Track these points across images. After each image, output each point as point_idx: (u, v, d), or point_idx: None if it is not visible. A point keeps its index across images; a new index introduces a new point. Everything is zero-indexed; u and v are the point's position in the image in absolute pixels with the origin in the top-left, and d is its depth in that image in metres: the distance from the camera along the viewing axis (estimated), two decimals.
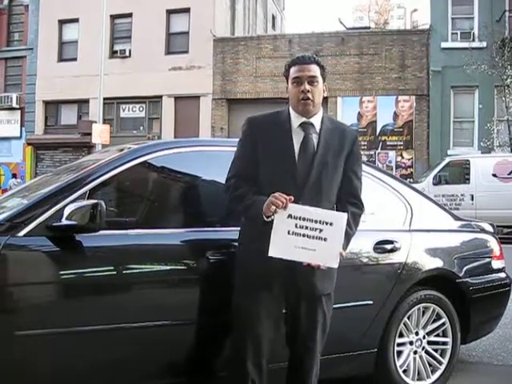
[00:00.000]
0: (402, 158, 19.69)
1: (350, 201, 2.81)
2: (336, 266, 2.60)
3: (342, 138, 2.80)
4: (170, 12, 22.03)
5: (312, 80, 2.71)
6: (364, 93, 20.05)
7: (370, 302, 3.47)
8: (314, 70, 2.74)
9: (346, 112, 19.99)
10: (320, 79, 2.74)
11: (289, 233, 2.53)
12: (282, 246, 2.52)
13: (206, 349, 3.01)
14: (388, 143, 19.80)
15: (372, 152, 19.78)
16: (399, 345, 3.67)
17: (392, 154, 19.73)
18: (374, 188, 3.76)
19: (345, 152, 2.79)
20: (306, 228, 2.55)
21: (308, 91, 2.69)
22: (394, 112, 19.79)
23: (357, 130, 19.87)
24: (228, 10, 23.16)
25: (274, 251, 2.52)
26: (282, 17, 33.36)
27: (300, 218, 2.54)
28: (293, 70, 2.75)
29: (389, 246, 3.56)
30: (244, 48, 21.16)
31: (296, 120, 2.75)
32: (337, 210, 2.72)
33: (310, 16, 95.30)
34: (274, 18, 30.86)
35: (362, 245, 3.48)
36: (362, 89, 20.05)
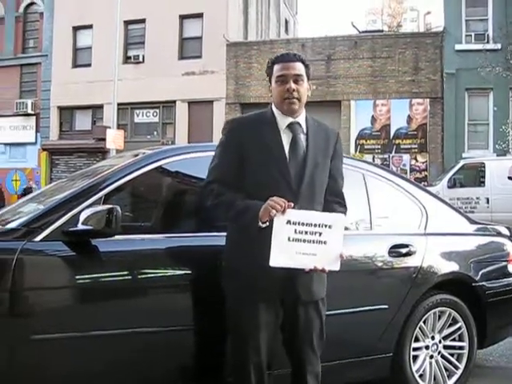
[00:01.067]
0: (417, 161, 19.58)
1: (335, 200, 2.73)
2: (338, 268, 2.54)
3: (327, 138, 2.74)
4: (182, 17, 22.10)
5: (297, 79, 2.62)
6: (377, 96, 19.97)
7: (385, 306, 3.45)
8: (299, 68, 2.65)
9: (360, 115, 19.93)
10: (305, 78, 2.66)
11: (289, 239, 2.46)
12: (284, 254, 2.45)
13: (214, 355, 3.01)
14: (402, 146, 19.69)
15: (386, 155, 19.69)
16: (415, 349, 3.65)
17: (406, 157, 19.62)
18: (389, 191, 3.76)
19: (330, 151, 2.73)
20: (306, 233, 2.48)
21: (294, 90, 2.60)
22: (408, 115, 19.68)
23: (370, 133, 19.85)
24: (241, 14, 23.19)
25: (276, 260, 2.44)
26: (294, 21, 33.36)
27: (299, 223, 2.47)
28: (277, 67, 2.66)
29: (404, 250, 3.54)
30: (257, 52, 21.17)
31: (282, 120, 2.65)
32: (323, 211, 2.64)
33: (322, 20, 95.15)
34: (286, 22, 30.87)
35: (377, 249, 3.48)
36: (375, 92, 19.98)
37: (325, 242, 2.49)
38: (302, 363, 2.70)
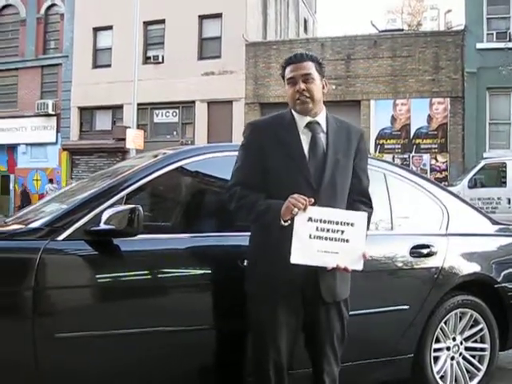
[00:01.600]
0: (437, 161, 19.43)
1: (360, 199, 2.72)
2: (361, 267, 2.51)
3: (349, 137, 2.72)
4: (202, 17, 22.16)
5: (307, 78, 2.62)
6: (397, 95, 19.85)
7: (406, 307, 3.43)
8: (308, 67, 2.65)
9: (380, 115, 19.82)
10: (316, 75, 2.65)
11: (310, 237, 2.44)
12: (305, 251, 2.43)
13: (236, 354, 3.02)
14: (422, 146, 19.55)
15: (406, 155, 19.56)
16: (436, 350, 3.63)
17: (426, 157, 19.48)
18: (410, 191, 3.74)
19: (353, 150, 2.71)
20: (328, 231, 2.46)
21: (304, 90, 2.61)
22: (428, 115, 19.52)
23: (390, 133, 19.74)
24: (260, 14, 23.20)
25: (297, 258, 2.42)
26: (313, 20, 33.29)
27: (320, 221, 2.45)
28: (287, 70, 2.68)
29: (425, 251, 3.52)
30: (276, 52, 21.15)
31: (301, 120, 2.66)
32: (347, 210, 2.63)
33: (341, 19, 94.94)
34: (305, 21, 30.82)
35: (398, 249, 3.47)
36: (395, 91, 19.85)
37: (347, 241, 2.47)
38: (320, 363, 2.70)
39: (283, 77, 2.73)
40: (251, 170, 2.64)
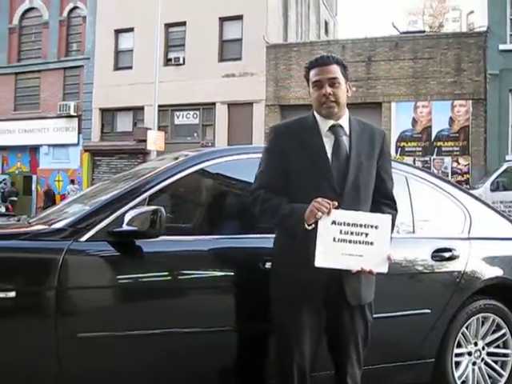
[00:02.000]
0: (458, 163, 19.25)
1: (384, 202, 2.71)
2: (386, 270, 2.50)
3: (372, 139, 2.71)
4: (222, 19, 22.22)
5: (333, 82, 2.61)
6: (419, 98, 19.71)
7: (428, 311, 3.41)
8: (334, 70, 2.63)
9: (401, 117, 19.70)
10: (342, 79, 2.64)
11: (334, 240, 2.44)
12: (329, 254, 2.43)
13: (258, 356, 3.02)
14: (443, 149, 19.39)
15: (427, 158, 19.42)
16: (457, 355, 3.60)
17: (448, 159, 19.31)
18: (432, 194, 3.71)
19: (376, 152, 2.70)
20: (352, 233, 2.46)
21: (330, 94, 2.60)
22: (450, 117, 19.36)
23: (411, 135, 19.61)
24: (280, 16, 23.20)
25: (321, 261, 2.42)
26: (334, 22, 33.22)
27: (344, 224, 2.45)
28: (312, 72, 2.67)
29: (447, 254, 3.49)
30: (297, 54, 21.13)
31: (324, 123, 2.65)
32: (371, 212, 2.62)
33: (362, 21, 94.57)
34: (326, 23, 30.76)
35: (420, 252, 3.44)
36: (416, 94, 19.72)
37: (371, 243, 2.47)
38: (343, 366, 2.69)
39: (307, 79, 2.72)
40: (274, 174, 2.64)
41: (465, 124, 19.23)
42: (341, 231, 2.45)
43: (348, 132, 2.68)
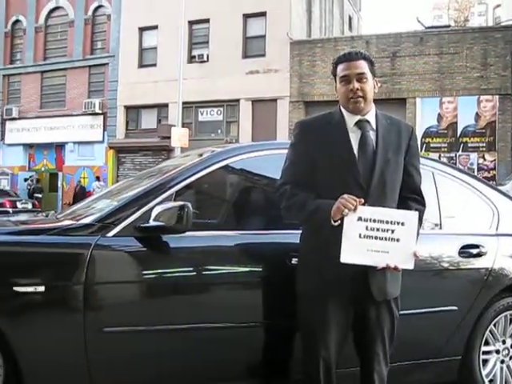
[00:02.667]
0: (484, 160, 19.02)
1: (411, 197, 2.69)
2: (412, 267, 2.50)
3: (399, 134, 2.69)
4: (246, 16, 22.23)
5: (361, 77, 2.60)
6: (444, 93, 19.51)
7: (455, 308, 3.38)
8: (362, 66, 2.63)
9: (426, 113, 19.52)
10: (369, 75, 2.64)
11: (360, 236, 2.44)
12: (355, 250, 2.43)
13: (283, 352, 3.02)
14: (469, 145, 19.17)
15: (453, 154, 19.21)
16: (485, 353, 3.56)
17: (474, 156, 19.09)
18: (459, 190, 3.67)
19: (403, 147, 2.68)
20: (378, 230, 2.45)
21: (358, 89, 2.59)
22: (476, 113, 19.12)
23: (436, 131, 19.42)
24: (304, 12, 23.13)
25: (347, 257, 2.43)
26: (358, 17, 33.00)
27: (370, 220, 2.45)
28: (340, 67, 2.66)
29: (474, 251, 3.45)
30: (321, 50, 21.05)
31: (350, 119, 2.65)
32: (398, 208, 2.61)
33: (387, 16, 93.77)
34: (350, 18, 30.58)
35: (447, 249, 3.41)
36: (441, 89, 19.51)
37: (397, 240, 2.46)
38: (370, 362, 2.69)
39: (334, 75, 2.72)
40: (300, 169, 2.65)
41: (491, 119, 18.98)
42: (367, 227, 2.45)
43: (375, 127, 2.66)
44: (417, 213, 2.54)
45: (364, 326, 2.66)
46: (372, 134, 2.64)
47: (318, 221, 2.54)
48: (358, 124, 2.64)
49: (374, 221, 2.46)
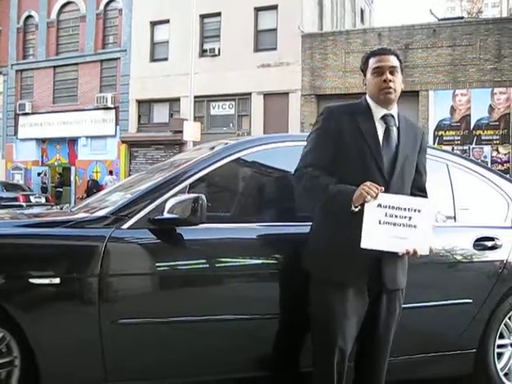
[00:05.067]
0: (498, 152, 18.86)
1: (418, 194, 2.78)
2: (428, 253, 2.58)
3: (415, 135, 2.82)
4: (257, 9, 22.15)
5: (393, 70, 2.70)
6: (457, 86, 19.35)
7: (470, 301, 3.36)
8: (395, 61, 2.73)
9: (439, 106, 19.38)
10: (399, 70, 2.75)
11: (380, 222, 2.51)
12: (375, 236, 2.50)
13: (294, 344, 3.03)
14: (483, 138, 19.02)
15: (466, 147, 19.07)
16: (500, 346, 3.55)
17: (487, 148, 18.94)
18: (474, 183, 3.65)
19: (417, 147, 2.81)
20: (396, 217, 2.53)
21: (390, 80, 2.68)
22: (490, 105, 18.95)
23: (449, 124, 19.29)
24: (316, 5, 23.02)
25: (367, 242, 2.49)
26: (370, 10, 32.80)
27: (389, 207, 2.52)
28: (372, 60, 2.74)
29: (489, 243, 3.44)
30: (332, 43, 20.96)
31: (377, 111, 2.73)
32: None
33: (399, 8, 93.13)
34: (362, 11, 30.41)
35: (462, 241, 3.40)
36: (455, 82, 19.36)
37: (415, 226, 2.54)
38: (374, 351, 2.77)
39: (363, 69, 2.80)
40: (323, 153, 2.69)
41: (505, 112, 18.80)
42: (386, 214, 2.53)
43: (397, 124, 2.75)
44: (432, 201, 2.63)
45: (374, 315, 2.71)
46: (395, 130, 2.73)
47: (338, 205, 2.59)
48: (384, 118, 2.72)
49: (393, 207, 2.53)
